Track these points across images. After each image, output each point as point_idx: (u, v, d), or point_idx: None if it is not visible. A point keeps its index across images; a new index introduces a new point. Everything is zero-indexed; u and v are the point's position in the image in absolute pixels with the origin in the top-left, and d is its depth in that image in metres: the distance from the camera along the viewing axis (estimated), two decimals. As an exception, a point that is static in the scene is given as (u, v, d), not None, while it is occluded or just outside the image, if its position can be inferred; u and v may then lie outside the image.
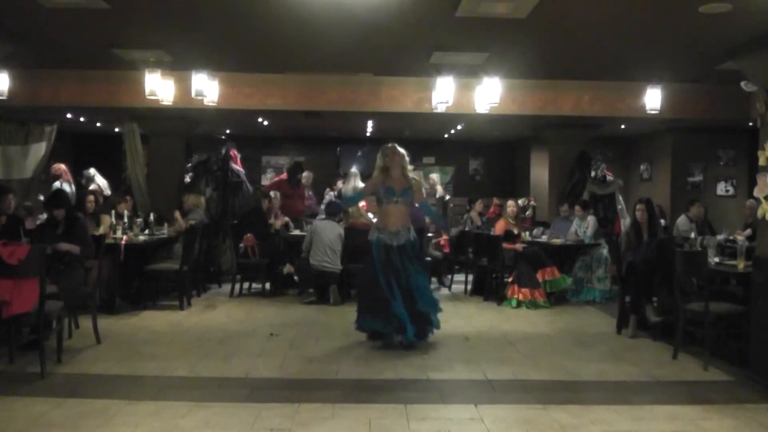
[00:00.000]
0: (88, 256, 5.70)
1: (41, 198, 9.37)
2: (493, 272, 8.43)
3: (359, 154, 15.03)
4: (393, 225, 5.80)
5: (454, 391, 4.62)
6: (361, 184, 12.07)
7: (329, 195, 11.28)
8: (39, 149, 8.92)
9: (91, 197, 7.85)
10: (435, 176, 11.97)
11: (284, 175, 10.72)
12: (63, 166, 10.50)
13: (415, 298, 5.74)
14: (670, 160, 11.87)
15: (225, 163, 10.00)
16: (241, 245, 8.45)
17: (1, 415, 3.93)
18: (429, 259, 8.96)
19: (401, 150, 5.94)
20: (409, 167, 5.98)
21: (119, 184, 11.98)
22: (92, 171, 11.71)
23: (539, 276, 8.01)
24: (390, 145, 5.97)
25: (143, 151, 9.98)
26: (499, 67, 7.12)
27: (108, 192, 11.08)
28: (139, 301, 7.43)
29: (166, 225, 8.36)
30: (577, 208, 8.90)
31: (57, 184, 10.00)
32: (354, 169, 12.62)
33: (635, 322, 6.42)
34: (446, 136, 13.83)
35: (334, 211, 8.39)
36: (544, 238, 8.76)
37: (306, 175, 10.81)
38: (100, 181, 11.62)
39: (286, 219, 9.11)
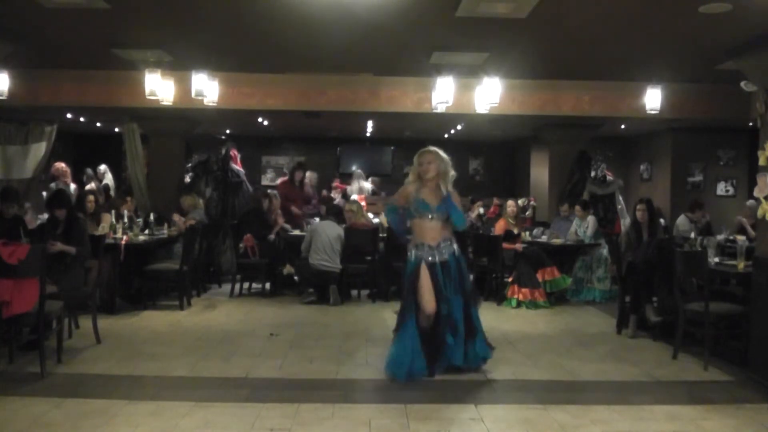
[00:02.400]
0: (84, 257, 5.70)
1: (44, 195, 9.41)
2: (493, 272, 8.43)
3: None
4: (432, 238, 4.93)
5: (454, 391, 4.61)
6: (366, 184, 12.09)
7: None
8: (39, 149, 8.90)
9: (91, 197, 7.86)
10: None
11: (286, 177, 10.72)
12: (63, 166, 10.51)
13: (454, 328, 4.86)
14: (670, 160, 11.88)
15: (225, 163, 10.01)
16: (241, 245, 8.46)
17: (1, 415, 3.93)
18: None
19: (443, 155, 5.01)
20: (452, 174, 5.03)
21: (119, 184, 12.03)
22: (103, 167, 11.76)
23: (539, 276, 8.01)
24: (429, 149, 5.04)
25: (143, 151, 9.98)
26: (499, 67, 7.12)
27: (112, 193, 11.13)
28: (139, 301, 7.43)
29: (166, 225, 8.37)
30: (577, 208, 8.90)
31: (53, 185, 9.99)
32: (357, 170, 12.64)
33: (635, 322, 6.42)
34: (446, 136, 13.84)
35: (337, 212, 8.40)
36: (544, 238, 8.75)
37: (309, 176, 10.81)
38: (109, 179, 11.68)
39: (282, 225, 9.08)
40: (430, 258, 4.89)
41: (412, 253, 4.98)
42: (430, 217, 4.91)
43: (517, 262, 8.08)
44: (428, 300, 4.81)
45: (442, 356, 4.87)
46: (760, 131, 5.18)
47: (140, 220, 8.17)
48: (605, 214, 9.83)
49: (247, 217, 8.87)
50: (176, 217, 8.40)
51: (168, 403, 4.20)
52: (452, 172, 5.02)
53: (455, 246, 5.01)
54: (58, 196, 6.07)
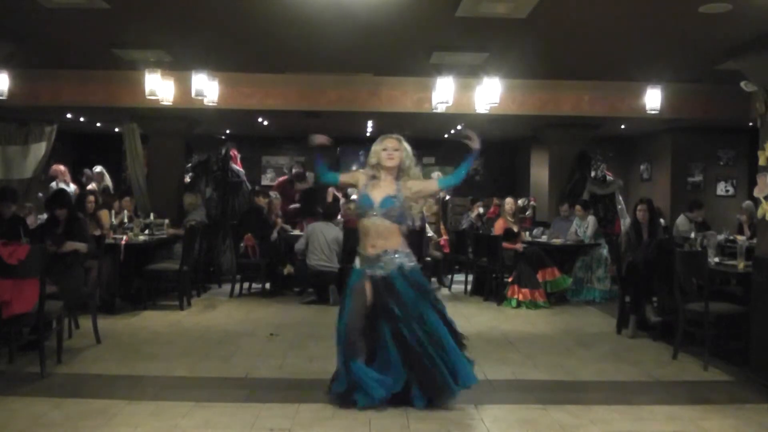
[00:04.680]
0: (92, 254, 5.71)
1: (40, 195, 9.40)
2: (493, 272, 8.43)
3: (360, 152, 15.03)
4: (371, 246, 4.17)
5: (454, 391, 4.61)
6: None
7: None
8: (39, 149, 8.91)
9: (91, 197, 7.85)
10: (436, 175, 11.94)
11: (285, 177, 10.78)
12: (62, 167, 10.49)
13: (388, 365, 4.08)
14: (670, 160, 11.88)
15: (225, 163, 10.02)
16: (242, 245, 8.45)
17: (1, 415, 3.93)
18: (429, 259, 8.97)
19: (409, 148, 4.36)
20: (415, 171, 4.34)
21: (119, 184, 12.01)
22: (99, 168, 11.74)
23: (539, 276, 8.01)
24: (394, 135, 4.39)
25: (143, 151, 9.99)
26: (499, 67, 7.12)
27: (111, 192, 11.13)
28: (139, 301, 7.43)
29: (165, 225, 8.37)
30: (577, 207, 8.89)
31: (54, 184, 9.98)
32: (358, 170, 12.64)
33: (635, 322, 6.42)
34: (446, 136, 13.83)
35: (331, 213, 8.39)
36: (544, 238, 8.76)
37: (309, 175, 10.85)
38: (108, 180, 11.66)
39: (282, 225, 9.08)
40: (368, 271, 4.18)
41: (356, 262, 4.31)
42: (373, 213, 4.16)
43: (517, 263, 8.08)
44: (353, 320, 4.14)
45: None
46: (760, 131, 5.18)
47: (141, 221, 8.17)
48: (605, 214, 9.84)
49: (247, 217, 8.87)
50: (169, 231, 8.33)
51: (168, 403, 4.20)
52: (416, 170, 4.35)
53: (404, 260, 4.17)
54: (58, 196, 6.08)
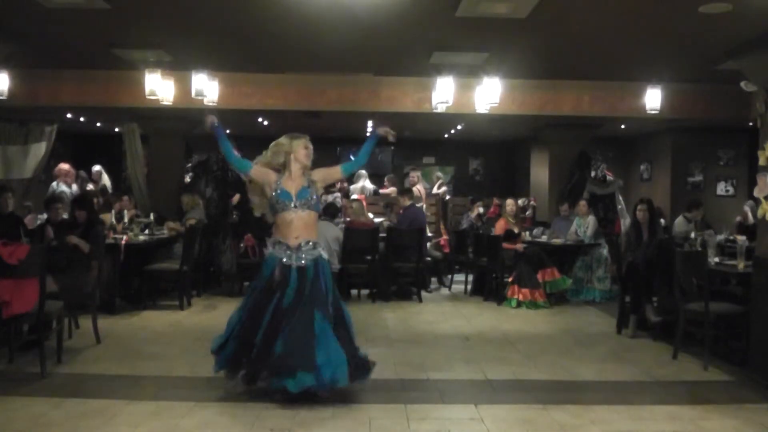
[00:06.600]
0: (95, 258, 5.73)
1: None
2: (493, 272, 8.43)
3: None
4: (294, 237, 4.37)
5: (454, 391, 4.61)
6: (369, 185, 12.08)
7: (332, 197, 11.25)
8: (39, 149, 8.90)
9: (94, 198, 7.87)
10: (436, 176, 11.96)
11: None
12: (67, 167, 10.46)
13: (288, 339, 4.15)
14: (670, 160, 11.90)
15: (225, 163, 10.01)
16: (242, 245, 8.45)
17: (1, 415, 3.93)
18: (429, 259, 8.96)
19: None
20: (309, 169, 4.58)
21: (119, 184, 12.00)
22: (98, 168, 11.72)
23: (539, 276, 8.00)
24: (305, 136, 4.64)
25: (143, 151, 9.99)
26: (499, 67, 7.13)
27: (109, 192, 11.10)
28: (139, 301, 7.42)
29: (168, 223, 8.37)
30: (582, 203, 8.88)
31: (54, 185, 9.96)
32: (362, 170, 12.64)
33: (635, 322, 6.42)
34: (446, 136, 13.85)
35: (333, 213, 8.39)
36: (544, 238, 8.76)
37: None
38: (106, 180, 11.64)
39: None
40: (285, 260, 4.33)
41: (270, 252, 4.44)
42: (293, 205, 4.38)
43: (517, 263, 8.08)
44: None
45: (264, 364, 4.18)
46: (760, 131, 5.19)
47: (142, 221, 8.17)
48: (605, 214, 9.83)
49: (247, 217, 8.86)
50: (168, 224, 8.34)
51: (168, 403, 4.21)
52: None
53: (320, 252, 4.44)
54: (81, 198, 6.16)
